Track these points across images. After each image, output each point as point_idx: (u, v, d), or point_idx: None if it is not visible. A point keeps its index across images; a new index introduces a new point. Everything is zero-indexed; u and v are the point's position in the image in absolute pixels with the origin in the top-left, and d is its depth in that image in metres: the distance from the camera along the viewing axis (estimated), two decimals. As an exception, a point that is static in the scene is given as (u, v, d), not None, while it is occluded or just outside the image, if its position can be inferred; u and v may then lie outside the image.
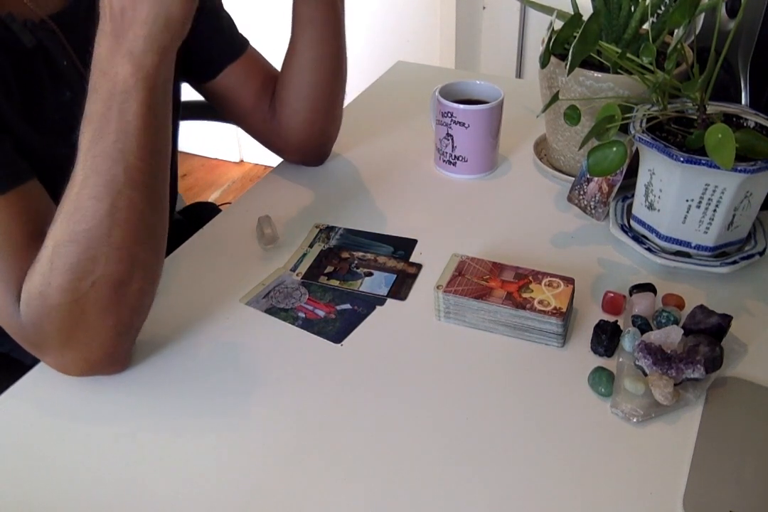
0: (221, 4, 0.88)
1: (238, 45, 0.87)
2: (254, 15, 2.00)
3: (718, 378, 0.62)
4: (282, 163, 0.96)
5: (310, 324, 0.69)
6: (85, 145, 0.55)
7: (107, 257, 0.56)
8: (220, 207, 1.11)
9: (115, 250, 0.56)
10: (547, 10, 0.85)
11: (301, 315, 0.71)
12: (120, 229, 0.56)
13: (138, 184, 0.55)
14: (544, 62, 0.80)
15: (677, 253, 0.75)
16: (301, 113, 0.87)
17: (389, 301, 0.72)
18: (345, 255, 0.78)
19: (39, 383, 0.64)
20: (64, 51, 0.69)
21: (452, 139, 0.90)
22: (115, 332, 0.60)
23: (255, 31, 1.03)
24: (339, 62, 0.86)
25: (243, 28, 0.90)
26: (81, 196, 0.55)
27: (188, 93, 0.91)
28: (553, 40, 0.76)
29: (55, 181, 0.65)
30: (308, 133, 0.89)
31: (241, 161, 2.65)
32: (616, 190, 0.79)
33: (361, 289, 0.73)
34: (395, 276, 0.75)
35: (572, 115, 0.75)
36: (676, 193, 0.70)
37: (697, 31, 0.88)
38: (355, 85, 1.16)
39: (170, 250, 0.80)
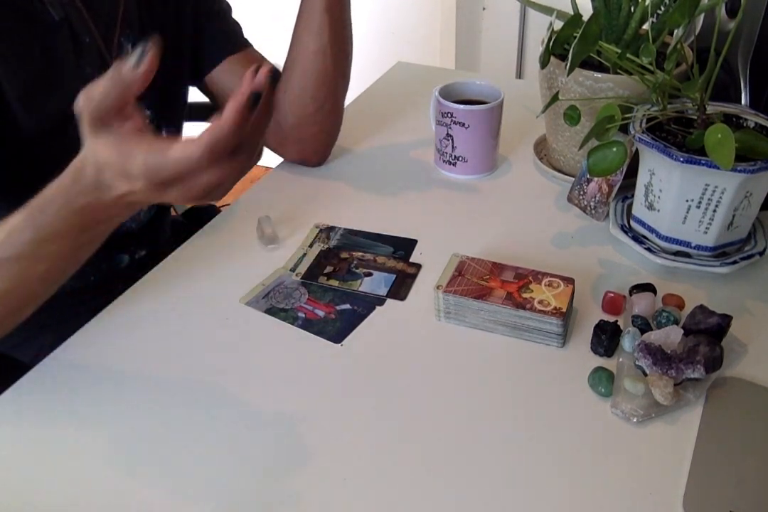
0: (229, 9, 0.90)
1: (241, 42, 0.89)
2: (257, 21, 2.00)
3: (718, 378, 0.62)
4: (282, 163, 0.96)
5: (310, 325, 0.69)
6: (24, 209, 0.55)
7: None
8: (220, 208, 1.11)
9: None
10: (547, 10, 0.85)
11: (301, 315, 0.70)
12: (13, 292, 0.57)
13: (33, 291, 0.58)
14: (544, 62, 0.80)
15: (677, 253, 0.75)
16: (303, 105, 0.87)
17: (389, 301, 0.72)
18: (344, 255, 0.78)
19: (39, 383, 0.64)
20: (87, 28, 0.72)
21: (452, 140, 0.90)
22: None
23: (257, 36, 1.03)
24: (344, 52, 0.86)
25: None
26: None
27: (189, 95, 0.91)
28: (553, 40, 0.76)
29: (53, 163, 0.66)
30: (309, 127, 0.89)
31: (242, 162, 2.64)
32: (616, 190, 0.79)
33: (360, 289, 0.73)
34: (395, 276, 0.75)
35: (572, 115, 0.75)
36: (676, 193, 0.70)
37: (697, 32, 0.88)
38: (355, 86, 1.16)
39: (170, 250, 0.80)
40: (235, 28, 0.89)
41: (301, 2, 0.83)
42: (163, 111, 0.83)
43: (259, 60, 0.89)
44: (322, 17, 0.82)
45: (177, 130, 0.90)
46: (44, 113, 0.69)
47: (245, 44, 0.89)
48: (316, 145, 0.93)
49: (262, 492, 0.54)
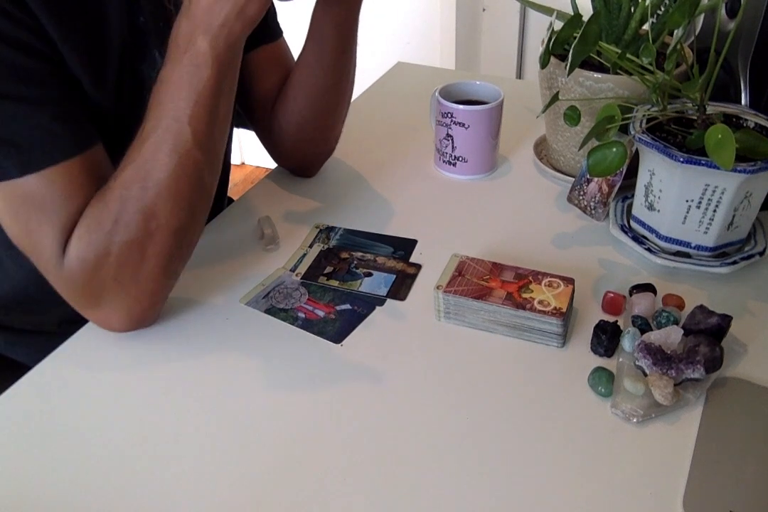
0: None
1: (277, 30, 0.88)
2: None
3: (718, 378, 0.62)
4: (286, 161, 0.96)
5: (309, 325, 0.69)
6: (157, 107, 0.61)
7: (173, 204, 0.62)
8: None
9: (179, 199, 0.62)
10: (547, 10, 0.85)
11: (301, 315, 0.70)
12: (185, 181, 0.62)
13: (201, 146, 0.62)
14: (543, 63, 0.80)
15: (677, 253, 0.75)
16: (305, 130, 0.87)
17: (389, 301, 0.72)
18: (344, 255, 0.78)
19: (39, 383, 0.64)
20: None
21: (452, 140, 0.90)
22: (165, 278, 0.65)
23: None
24: (351, 85, 0.86)
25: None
26: (153, 151, 0.60)
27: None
28: (552, 40, 0.76)
29: (120, 105, 0.68)
30: (301, 145, 0.89)
31: (243, 164, 2.65)
32: (616, 190, 0.79)
33: (360, 290, 0.73)
34: (395, 276, 0.75)
35: (572, 116, 0.75)
36: (676, 194, 0.70)
37: (697, 32, 0.88)
38: (355, 86, 1.16)
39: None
40: (274, 13, 0.87)
41: (315, 40, 0.80)
42: None
43: (286, 54, 0.88)
44: (338, 57, 0.80)
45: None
46: (108, 82, 0.67)
47: (280, 32, 0.88)
48: (308, 162, 0.93)
49: (260, 492, 0.54)
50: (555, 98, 0.77)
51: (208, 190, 0.66)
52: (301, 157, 0.92)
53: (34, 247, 0.62)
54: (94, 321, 0.67)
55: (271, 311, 0.71)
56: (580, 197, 0.83)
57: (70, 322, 0.68)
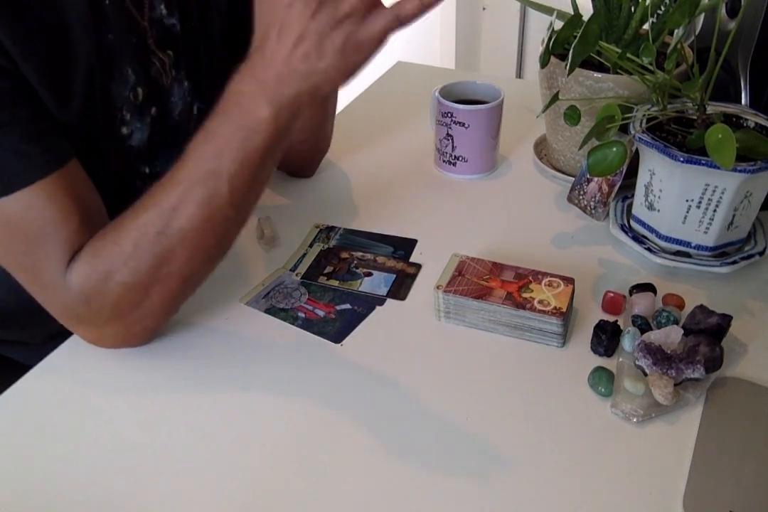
0: None
1: None
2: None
3: (718, 378, 0.62)
4: (281, 163, 0.96)
5: (309, 324, 0.69)
6: (199, 157, 0.58)
7: (190, 255, 0.60)
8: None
9: (199, 250, 0.60)
10: (547, 10, 0.85)
11: (301, 315, 0.70)
12: (209, 235, 0.60)
13: (235, 204, 0.60)
14: (544, 62, 0.80)
15: (677, 253, 0.75)
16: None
17: (389, 301, 0.72)
18: (344, 255, 0.78)
19: (39, 383, 0.64)
20: None
21: (452, 139, 0.90)
22: (165, 315, 0.65)
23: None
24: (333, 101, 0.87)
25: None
26: (182, 199, 0.58)
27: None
28: (553, 40, 0.76)
29: (92, 128, 0.66)
30: (292, 148, 0.88)
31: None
32: (616, 190, 0.79)
33: (360, 289, 0.73)
34: (395, 276, 0.75)
35: (572, 115, 0.75)
36: (676, 193, 0.70)
37: (697, 32, 0.88)
38: (354, 86, 1.16)
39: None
40: None
41: None
42: (199, 83, 0.77)
43: None
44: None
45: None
46: (74, 102, 0.64)
47: None
48: (303, 164, 0.93)
49: (260, 492, 0.54)
50: (555, 98, 0.77)
51: (229, 243, 0.64)
52: (296, 158, 0.91)
53: (30, 271, 0.61)
54: (86, 340, 0.66)
55: (271, 311, 0.71)
56: (580, 197, 0.83)
57: (54, 337, 0.67)
